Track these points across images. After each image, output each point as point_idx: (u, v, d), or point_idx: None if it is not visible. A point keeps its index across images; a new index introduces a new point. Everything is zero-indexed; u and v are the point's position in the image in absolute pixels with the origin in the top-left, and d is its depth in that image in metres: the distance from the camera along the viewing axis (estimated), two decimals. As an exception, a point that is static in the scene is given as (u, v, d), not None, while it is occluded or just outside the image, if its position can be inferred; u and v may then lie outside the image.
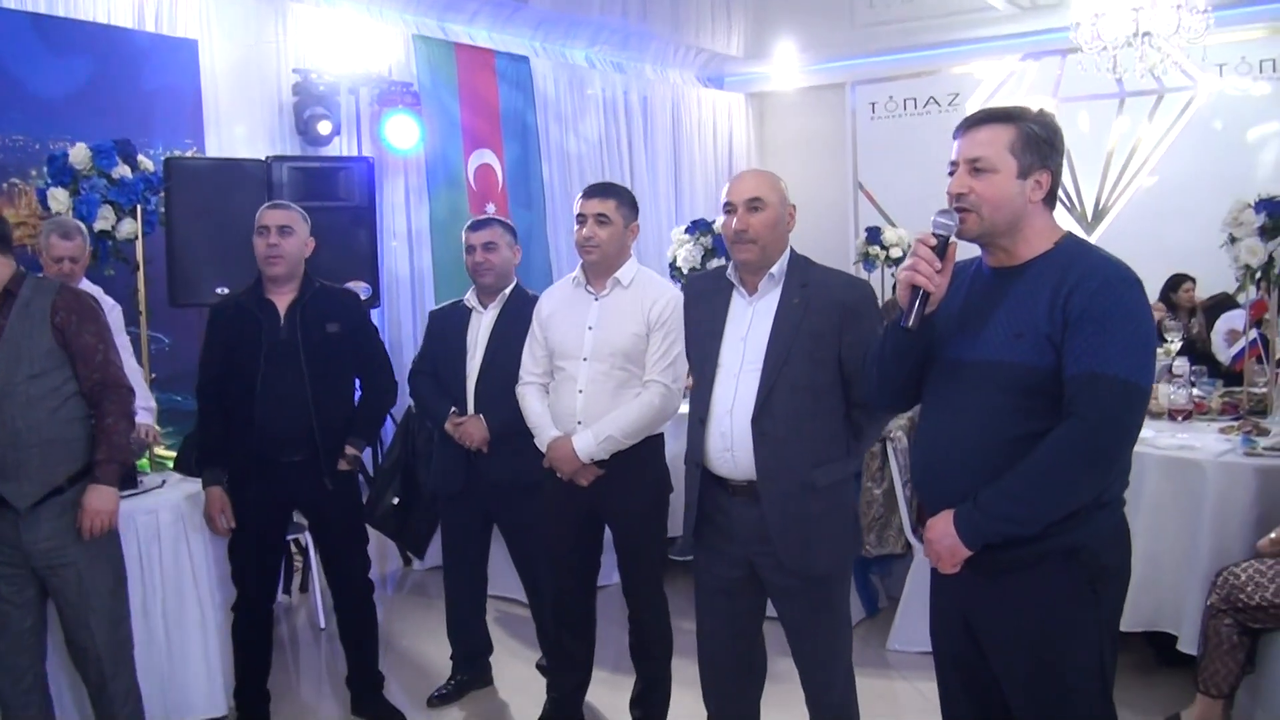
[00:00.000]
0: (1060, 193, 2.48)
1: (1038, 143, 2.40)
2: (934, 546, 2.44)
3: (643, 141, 10.14)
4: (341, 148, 7.27)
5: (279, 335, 3.87)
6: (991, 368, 2.39)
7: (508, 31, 8.81)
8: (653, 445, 3.73)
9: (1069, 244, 2.42)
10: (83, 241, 4.35)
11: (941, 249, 2.39)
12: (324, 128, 6.91)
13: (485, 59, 8.45)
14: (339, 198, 5.84)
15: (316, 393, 3.87)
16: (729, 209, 3.02)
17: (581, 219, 3.63)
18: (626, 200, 3.70)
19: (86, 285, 4.35)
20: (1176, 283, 8.34)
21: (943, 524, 2.41)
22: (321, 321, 3.93)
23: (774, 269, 3.04)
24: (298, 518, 4.53)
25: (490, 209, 8.04)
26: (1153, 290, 8.04)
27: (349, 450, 3.98)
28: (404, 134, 7.38)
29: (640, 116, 10.13)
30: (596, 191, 3.69)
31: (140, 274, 5.50)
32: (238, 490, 3.92)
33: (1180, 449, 4.20)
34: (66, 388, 3.33)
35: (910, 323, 2.43)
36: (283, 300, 3.92)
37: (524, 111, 8.67)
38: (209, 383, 4.01)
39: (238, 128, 6.84)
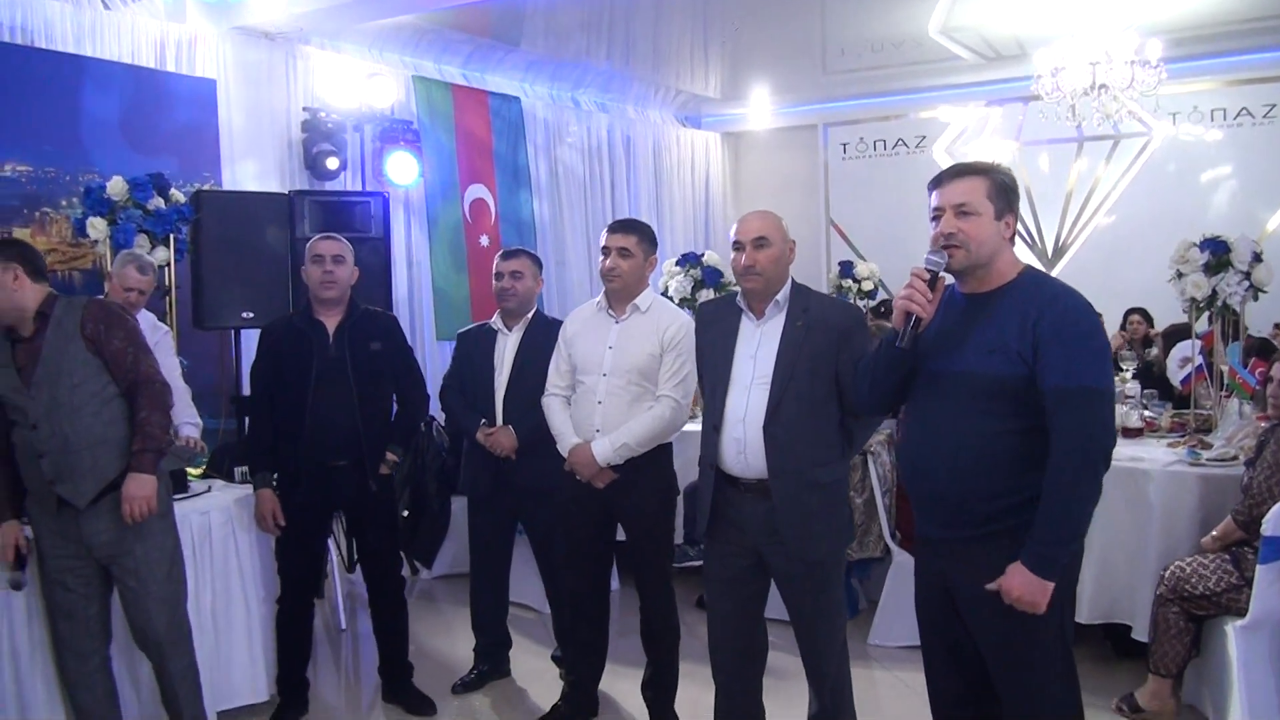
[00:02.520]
0: (1022, 230, 2.96)
1: (1006, 190, 2.88)
2: (1025, 599, 2.71)
3: (625, 177, 10.61)
4: (347, 182, 7.66)
5: (329, 353, 4.28)
6: (968, 378, 2.83)
7: (500, 73, 9.27)
8: (663, 453, 4.12)
9: (1030, 274, 2.90)
10: (154, 278, 4.79)
11: (932, 281, 2.85)
12: (332, 163, 7.32)
13: (479, 99, 8.89)
14: (355, 229, 6.18)
15: (362, 404, 4.29)
16: (738, 246, 3.45)
17: (606, 251, 4.04)
18: (646, 236, 4.11)
19: (144, 314, 4.74)
20: (1125, 315, 8.84)
21: (1018, 577, 2.72)
22: (366, 340, 4.35)
23: (779, 296, 3.48)
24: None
25: (484, 240, 8.48)
26: (1112, 323, 8.57)
27: (390, 456, 4.39)
28: (404, 169, 7.79)
29: (623, 153, 10.60)
30: (620, 227, 4.10)
31: (172, 298, 5.88)
32: (287, 492, 4.32)
33: (1131, 460, 4.66)
34: (107, 391, 3.67)
35: (903, 342, 2.89)
36: (331, 321, 4.33)
37: (515, 148, 9.11)
38: (261, 394, 4.41)
39: (251, 162, 7.23)
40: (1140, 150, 9.71)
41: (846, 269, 9.64)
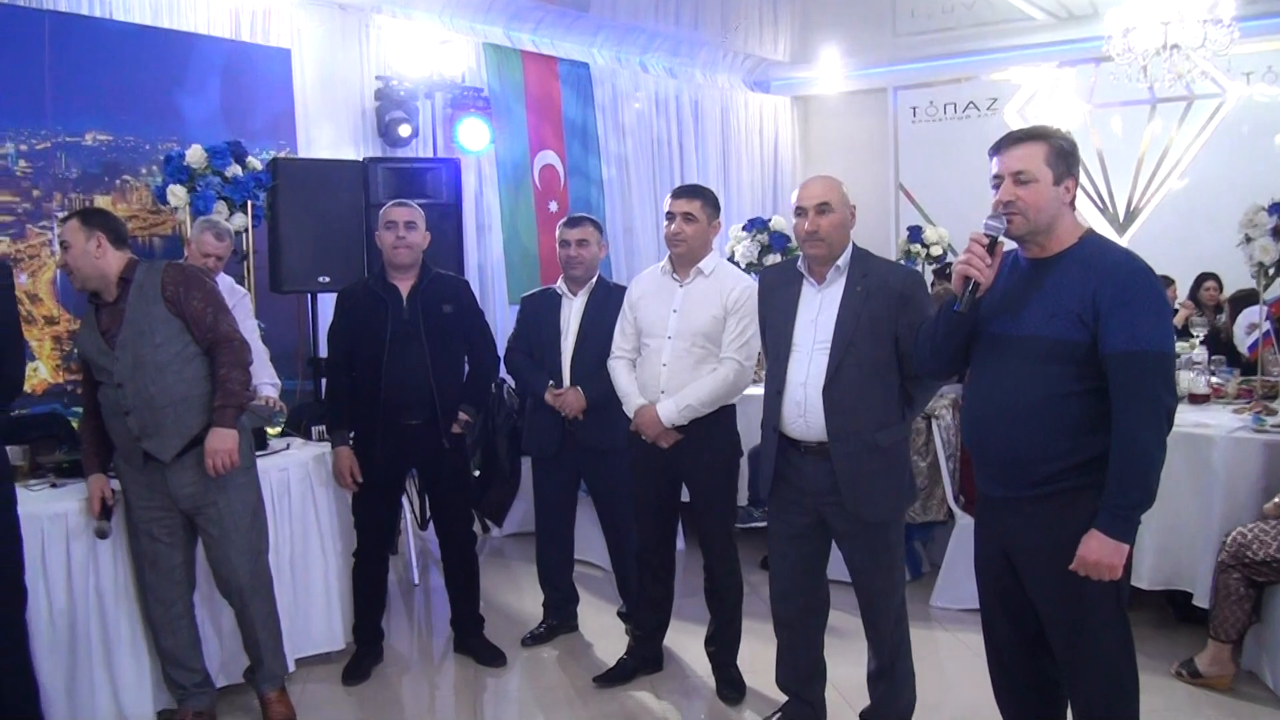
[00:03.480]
0: (1093, 194, 2.97)
1: (1065, 155, 2.91)
2: (1102, 563, 2.77)
3: (694, 142, 10.55)
4: (419, 149, 7.77)
5: (403, 315, 4.43)
6: (1029, 341, 2.88)
7: (569, 39, 9.29)
8: (726, 414, 4.20)
9: (1092, 239, 2.93)
10: (230, 243, 4.96)
11: (991, 247, 2.90)
12: (404, 130, 7.41)
13: (549, 65, 8.94)
14: (428, 195, 6.27)
15: (435, 365, 4.43)
16: (801, 212, 3.51)
17: (670, 216, 4.12)
18: (710, 201, 4.19)
19: (222, 277, 4.89)
20: (1200, 281, 8.70)
21: (1094, 543, 2.78)
22: (439, 303, 4.49)
23: (839, 261, 3.53)
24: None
25: (553, 206, 8.58)
26: (1183, 289, 8.47)
27: (462, 416, 4.53)
28: (475, 136, 7.86)
29: (691, 119, 10.54)
30: (684, 192, 4.18)
31: (249, 263, 6.05)
32: (364, 449, 4.48)
33: (1196, 426, 4.65)
34: (188, 351, 3.83)
35: (962, 307, 2.95)
36: (405, 285, 4.47)
37: (584, 115, 9.16)
38: (338, 355, 4.56)
39: (325, 130, 7.35)
40: (1214, 112, 9.50)
41: (915, 234, 9.57)
